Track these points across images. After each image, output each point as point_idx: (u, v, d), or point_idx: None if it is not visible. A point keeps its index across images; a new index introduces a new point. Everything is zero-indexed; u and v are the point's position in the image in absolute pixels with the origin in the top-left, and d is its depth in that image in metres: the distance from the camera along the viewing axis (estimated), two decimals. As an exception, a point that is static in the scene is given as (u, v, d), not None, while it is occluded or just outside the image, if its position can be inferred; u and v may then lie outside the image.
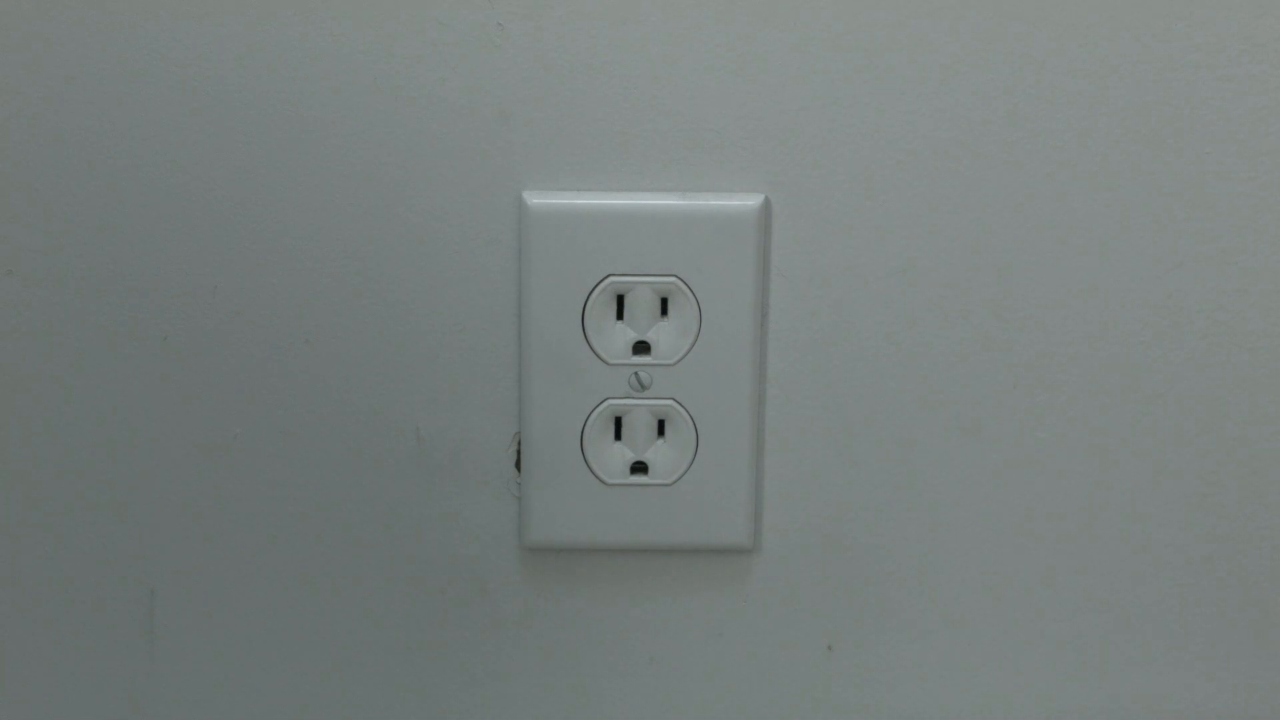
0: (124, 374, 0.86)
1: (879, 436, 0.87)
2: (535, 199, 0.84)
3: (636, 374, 0.86)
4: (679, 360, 0.86)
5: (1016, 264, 0.85)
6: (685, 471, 0.87)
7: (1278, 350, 0.86)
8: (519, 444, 0.87)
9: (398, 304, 0.85)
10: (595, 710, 0.91)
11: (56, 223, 0.84)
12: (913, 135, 0.83)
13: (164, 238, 0.84)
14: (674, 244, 0.84)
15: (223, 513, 0.88)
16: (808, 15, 0.82)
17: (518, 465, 0.87)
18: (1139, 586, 0.89)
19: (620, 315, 0.85)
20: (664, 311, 0.85)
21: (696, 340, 0.85)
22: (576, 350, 0.85)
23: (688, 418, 0.86)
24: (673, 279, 0.85)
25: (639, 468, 0.87)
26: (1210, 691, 0.91)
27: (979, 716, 0.91)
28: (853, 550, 0.89)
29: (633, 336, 0.85)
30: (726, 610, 0.90)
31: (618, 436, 0.87)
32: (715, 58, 0.82)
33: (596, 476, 0.87)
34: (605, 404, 0.86)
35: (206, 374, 0.86)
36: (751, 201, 0.84)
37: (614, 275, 0.85)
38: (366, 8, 0.82)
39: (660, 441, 0.87)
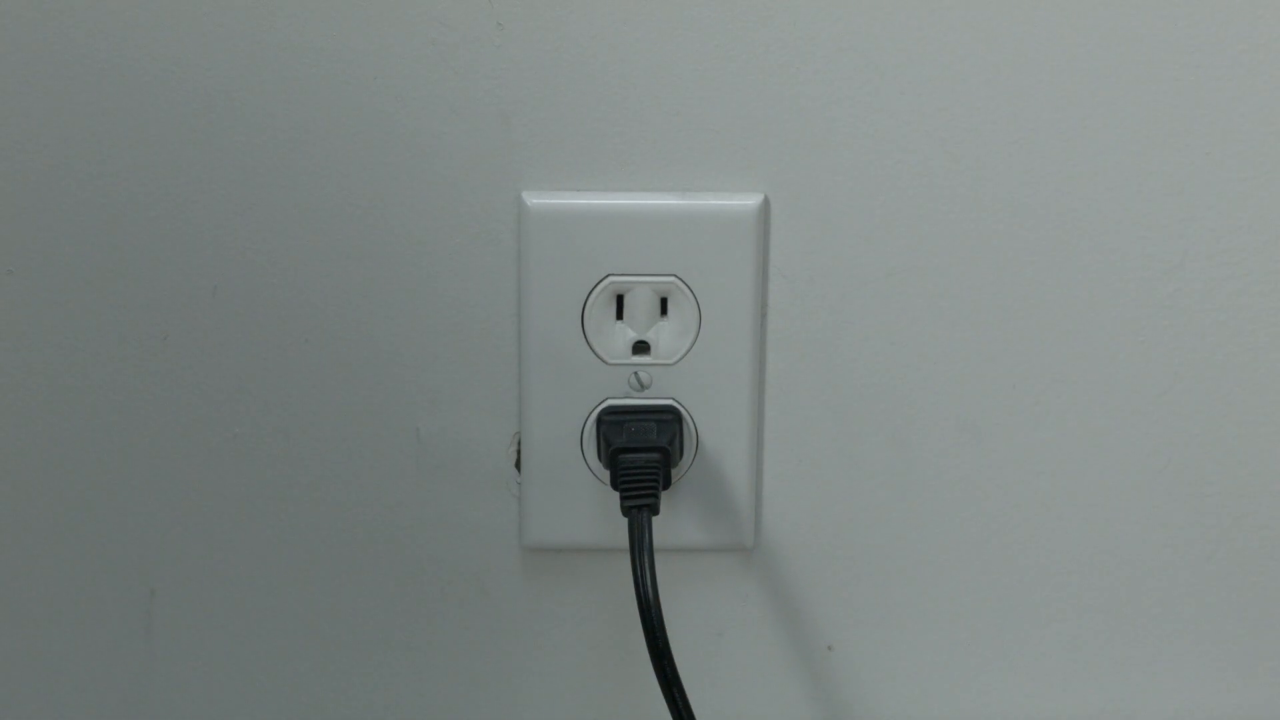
0: (124, 374, 0.86)
1: (879, 436, 0.87)
2: (535, 199, 0.84)
3: (636, 374, 0.86)
4: (679, 360, 0.86)
5: (1016, 264, 0.85)
6: (685, 471, 0.87)
7: (1278, 350, 0.86)
8: (519, 444, 0.87)
9: (397, 304, 0.85)
10: (595, 710, 0.91)
11: (56, 223, 0.84)
12: (913, 135, 0.83)
13: (164, 238, 0.84)
14: (673, 244, 0.84)
15: (223, 513, 0.88)
16: (807, 15, 0.82)
17: (518, 465, 0.87)
18: (1139, 586, 0.89)
19: (620, 315, 0.85)
20: (664, 311, 0.85)
21: (696, 340, 0.85)
22: (576, 350, 0.85)
23: (687, 418, 0.86)
24: (672, 279, 0.85)
25: (639, 467, 0.87)
26: (1210, 691, 0.91)
27: (979, 716, 0.91)
28: (853, 550, 0.89)
29: (632, 336, 0.85)
30: (726, 610, 0.90)
31: (618, 436, 0.87)
32: (715, 58, 0.82)
33: (596, 476, 0.87)
34: (605, 404, 0.86)
35: (206, 374, 0.86)
36: (751, 201, 0.84)
37: (613, 275, 0.85)
38: (367, 7, 0.82)
39: (660, 442, 0.87)
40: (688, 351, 0.85)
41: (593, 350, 0.85)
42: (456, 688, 0.91)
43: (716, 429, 0.86)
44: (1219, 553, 0.89)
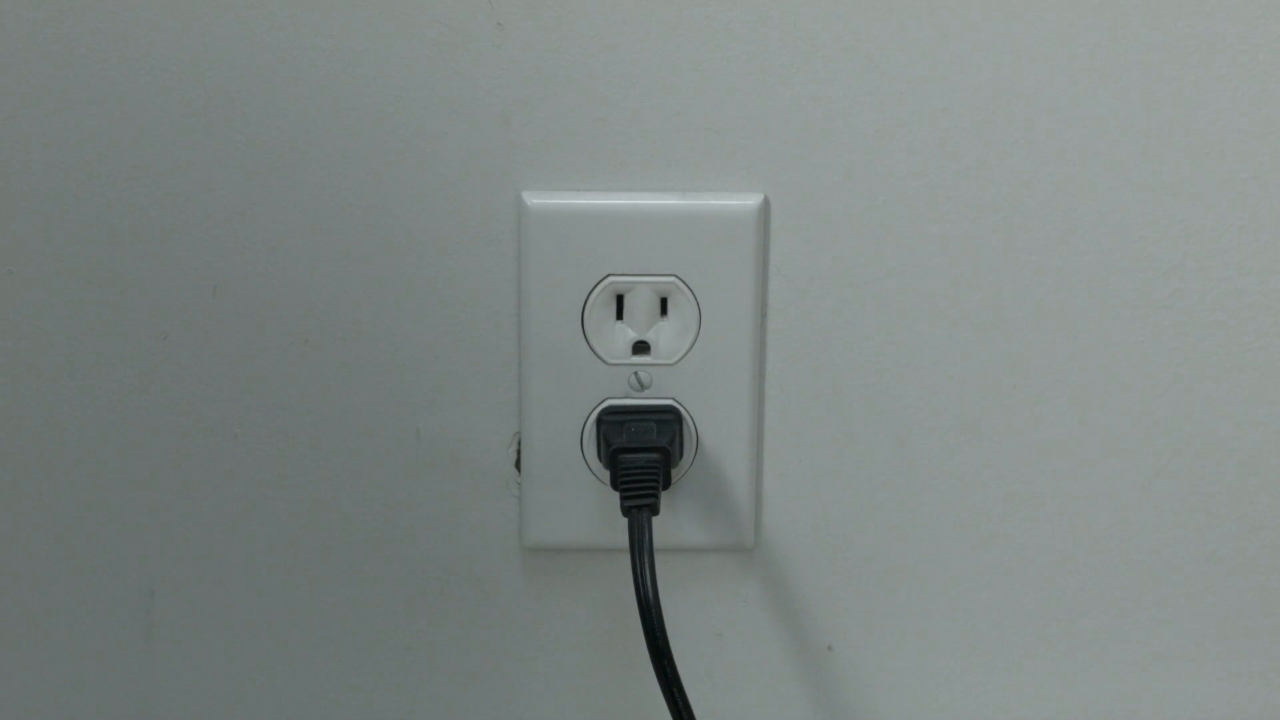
0: (124, 374, 0.86)
1: (879, 436, 0.87)
2: (534, 199, 0.84)
3: (636, 374, 0.86)
4: (679, 360, 0.86)
5: (1016, 264, 0.85)
6: (685, 471, 0.87)
7: (1278, 350, 0.86)
8: (519, 444, 0.87)
9: (397, 304, 0.85)
10: (596, 710, 0.91)
11: (56, 223, 0.84)
12: (913, 135, 0.83)
13: (164, 238, 0.84)
14: (673, 244, 0.84)
15: (223, 513, 0.88)
16: (807, 15, 0.82)
17: (518, 465, 0.87)
18: (1139, 586, 0.89)
19: (620, 315, 0.85)
20: (664, 311, 0.85)
21: (696, 340, 0.85)
22: (576, 350, 0.85)
23: (687, 418, 0.86)
24: (672, 279, 0.85)
25: (639, 467, 0.87)
26: (1210, 691, 0.91)
27: (979, 716, 0.91)
28: (853, 550, 0.89)
29: (632, 336, 0.85)
30: (726, 610, 0.90)
31: (618, 436, 0.87)
32: (715, 58, 0.82)
33: (596, 476, 0.87)
34: (605, 404, 0.86)
35: (206, 374, 0.86)
36: (751, 201, 0.84)
37: (613, 275, 0.85)
38: (366, 7, 0.82)
39: (660, 442, 0.87)
40: (688, 351, 0.85)
41: (593, 350, 0.85)
42: (456, 688, 0.91)
43: (716, 429, 0.86)
44: (1219, 553, 0.89)
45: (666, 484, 0.85)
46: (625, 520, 0.83)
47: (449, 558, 0.89)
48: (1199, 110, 0.83)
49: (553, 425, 0.86)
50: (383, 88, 0.83)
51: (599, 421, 0.86)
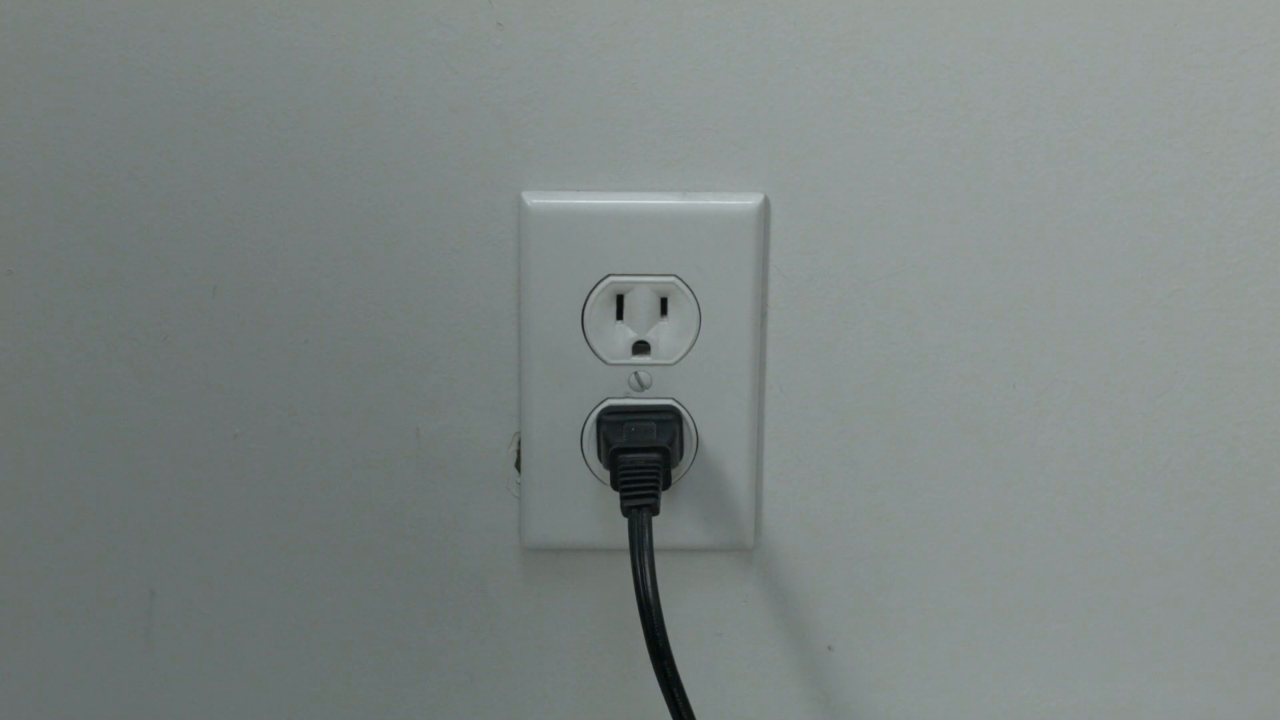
0: (124, 374, 0.86)
1: (879, 436, 0.87)
2: (534, 199, 0.84)
3: (636, 374, 0.86)
4: (679, 360, 0.86)
5: (1016, 264, 0.85)
6: (685, 471, 0.87)
7: (1278, 350, 0.86)
8: (519, 444, 0.87)
9: (397, 304, 0.85)
10: (596, 710, 0.91)
11: (56, 223, 0.84)
12: (913, 135, 0.83)
13: (164, 238, 0.84)
14: (673, 244, 0.84)
15: (223, 513, 0.88)
16: (807, 15, 0.82)
17: (518, 465, 0.88)
18: (1139, 586, 0.89)
19: (620, 315, 0.85)
20: (664, 311, 0.85)
21: (696, 340, 0.85)
22: (576, 350, 0.85)
23: (687, 418, 0.86)
24: (672, 279, 0.85)
25: (639, 468, 0.87)
26: (1210, 692, 0.91)
27: (979, 716, 0.91)
28: (853, 550, 0.89)
29: (632, 336, 0.85)
30: (726, 610, 0.90)
31: (618, 436, 0.87)
32: (715, 58, 0.82)
33: (596, 476, 0.87)
34: (605, 404, 0.86)
35: (206, 374, 0.86)
36: (751, 201, 0.84)
37: (614, 275, 0.85)
38: (366, 8, 0.82)
39: (660, 442, 0.87)
40: (688, 351, 0.85)
41: (593, 350, 0.85)
42: (456, 688, 0.91)
43: (716, 429, 0.86)
44: (1219, 553, 0.89)
45: (666, 484, 0.85)
46: (625, 520, 0.83)
47: (449, 558, 0.89)
48: (1199, 110, 0.83)
49: (553, 425, 0.86)
50: (383, 88, 0.83)
51: (599, 421, 0.86)
